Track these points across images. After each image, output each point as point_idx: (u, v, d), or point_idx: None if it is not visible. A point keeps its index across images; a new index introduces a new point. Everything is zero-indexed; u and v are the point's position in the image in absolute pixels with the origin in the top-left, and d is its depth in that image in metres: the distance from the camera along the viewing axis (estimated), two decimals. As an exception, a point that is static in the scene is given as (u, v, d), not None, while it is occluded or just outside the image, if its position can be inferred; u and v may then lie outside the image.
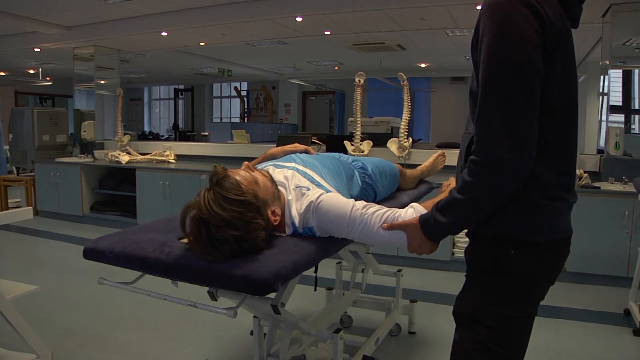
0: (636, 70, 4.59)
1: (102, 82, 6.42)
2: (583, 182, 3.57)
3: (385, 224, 1.27)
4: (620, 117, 4.27)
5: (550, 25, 1.00)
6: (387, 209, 1.32)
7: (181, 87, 13.25)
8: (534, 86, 0.99)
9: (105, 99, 6.55)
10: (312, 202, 1.38)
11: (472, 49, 1.09)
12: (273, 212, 1.39)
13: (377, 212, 1.30)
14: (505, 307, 1.10)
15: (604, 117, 4.06)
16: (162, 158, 5.49)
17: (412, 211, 1.28)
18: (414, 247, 1.22)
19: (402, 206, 1.37)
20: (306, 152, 1.87)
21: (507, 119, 0.98)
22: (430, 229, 1.16)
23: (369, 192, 1.83)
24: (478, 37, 1.04)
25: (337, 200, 1.37)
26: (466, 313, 1.15)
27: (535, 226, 1.07)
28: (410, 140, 4.32)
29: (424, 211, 1.26)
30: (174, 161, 5.50)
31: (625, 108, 4.53)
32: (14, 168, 7.10)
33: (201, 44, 6.30)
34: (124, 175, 5.43)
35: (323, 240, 1.40)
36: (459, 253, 3.71)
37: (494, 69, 0.99)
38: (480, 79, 1.02)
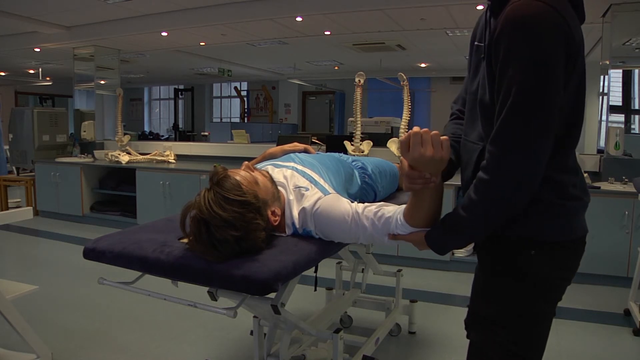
0: (636, 70, 4.59)
1: (102, 82, 6.42)
2: (583, 182, 3.57)
3: (391, 236, 1.25)
4: (620, 117, 4.27)
5: (574, 42, 0.98)
6: (384, 210, 1.28)
7: (181, 87, 13.26)
8: (556, 109, 0.97)
9: (105, 99, 6.55)
10: (310, 207, 1.37)
11: (487, 61, 1.05)
12: (273, 213, 1.39)
13: (375, 220, 1.27)
14: (525, 308, 1.10)
15: (604, 117, 4.07)
16: (162, 158, 5.49)
17: (397, 220, 1.24)
18: (422, 249, 1.23)
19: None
20: (305, 151, 1.87)
21: (527, 143, 0.97)
22: (438, 247, 1.15)
23: (368, 192, 1.83)
24: (498, 50, 0.99)
25: (335, 208, 1.35)
26: (484, 315, 1.14)
27: (553, 227, 1.08)
28: (410, 140, 4.31)
29: (407, 227, 1.21)
30: (174, 161, 5.50)
31: (625, 108, 4.52)
32: (14, 168, 7.09)
33: (201, 44, 6.30)
34: (124, 175, 5.43)
35: (323, 240, 1.39)
36: (459, 253, 3.71)
37: (520, 95, 0.95)
38: (502, 98, 0.99)
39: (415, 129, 1.01)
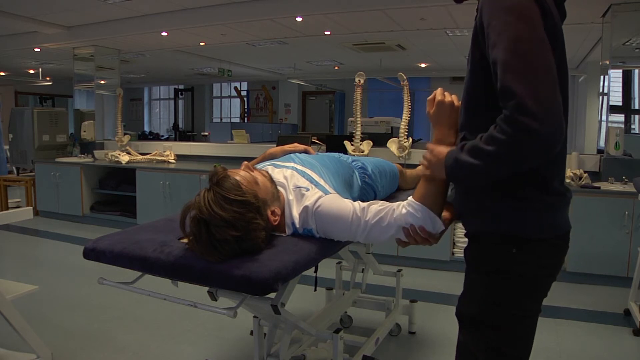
0: (636, 70, 4.59)
1: (102, 82, 6.42)
2: (583, 182, 3.57)
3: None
4: (620, 117, 4.27)
5: (550, 16, 1.00)
6: (385, 206, 1.30)
7: (181, 87, 13.26)
8: (551, 59, 0.95)
9: (105, 99, 6.55)
10: (311, 205, 1.37)
11: (473, 43, 1.08)
12: (273, 212, 1.39)
13: (377, 216, 1.28)
14: (509, 306, 1.10)
15: (604, 117, 4.07)
16: (162, 158, 5.49)
17: (406, 205, 1.25)
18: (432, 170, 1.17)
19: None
20: (305, 152, 1.87)
21: (533, 88, 0.92)
22: (451, 165, 1.07)
23: (368, 192, 1.83)
24: (482, 22, 1.02)
25: (336, 206, 1.35)
26: (470, 314, 1.14)
27: (535, 223, 1.07)
28: (410, 140, 4.32)
29: (418, 205, 1.22)
30: (174, 161, 5.50)
31: (625, 108, 4.53)
32: (14, 168, 7.10)
33: (201, 44, 6.30)
34: (124, 175, 5.43)
35: (323, 240, 1.40)
36: (459, 253, 3.71)
37: (509, 46, 0.95)
38: (492, 56, 0.98)
39: (440, 88, 1.26)
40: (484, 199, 1.11)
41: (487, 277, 1.12)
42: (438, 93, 1.23)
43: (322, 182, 1.50)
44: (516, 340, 1.12)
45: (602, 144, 4.14)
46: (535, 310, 1.13)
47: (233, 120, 13.39)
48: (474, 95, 1.12)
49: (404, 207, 1.25)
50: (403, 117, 4.25)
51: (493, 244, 1.10)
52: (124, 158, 5.31)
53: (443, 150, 1.12)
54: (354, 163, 1.86)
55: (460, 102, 1.21)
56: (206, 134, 10.43)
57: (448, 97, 1.22)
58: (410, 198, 1.25)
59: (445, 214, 1.26)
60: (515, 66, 0.94)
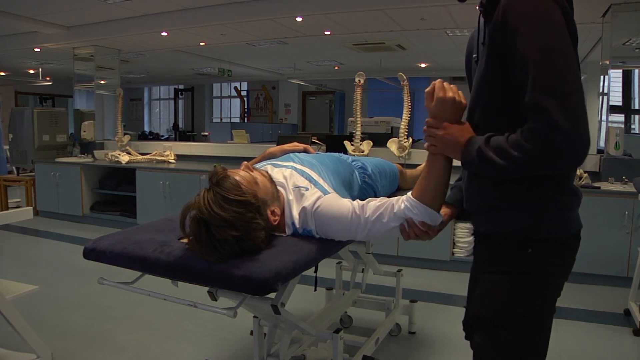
0: (636, 70, 4.59)
1: (102, 82, 6.42)
2: (583, 182, 3.57)
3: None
4: (620, 117, 4.28)
5: (569, 15, 1.00)
6: (383, 202, 1.29)
7: (181, 87, 13.27)
8: (578, 68, 0.97)
9: (105, 99, 6.55)
10: (310, 206, 1.37)
11: (490, 44, 1.06)
12: (272, 212, 1.39)
13: (376, 213, 1.28)
14: (526, 307, 1.09)
15: (604, 117, 4.07)
16: (162, 158, 5.49)
17: (405, 200, 1.25)
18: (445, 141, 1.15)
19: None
20: (305, 151, 1.86)
21: (564, 104, 0.92)
22: (470, 152, 1.07)
23: (368, 192, 1.82)
24: (504, 27, 1.00)
25: (334, 206, 1.35)
26: (486, 316, 1.13)
27: (551, 223, 1.07)
28: (410, 140, 4.32)
29: (415, 202, 1.22)
30: (174, 161, 5.50)
31: (625, 108, 4.53)
32: (14, 168, 7.10)
33: (201, 44, 6.30)
34: (124, 175, 5.43)
35: (323, 240, 1.39)
36: (459, 253, 3.71)
37: (540, 58, 0.94)
38: (520, 63, 0.98)
39: (439, 80, 1.19)
40: (497, 198, 1.10)
41: (501, 277, 1.11)
42: (438, 87, 1.17)
43: (321, 182, 1.50)
44: (533, 341, 1.11)
45: (602, 144, 4.15)
46: (550, 310, 1.13)
47: (233, 120, 13.40)
48: (489, 96, 1.10)
49: (403, 202, 1.25)
50: (403, 117, 4.25)
51: (507, 244, 1.09)
52: (124, 158, 5.31)
53: (460, 132, 1.11)
54: (354, 163, 1.86)
55: (461, 96, 1.17)
56: (206, 134, 10.43)
57: (449, 93, 1.15)
58: (409, 194, 1.25)
59: (445, 210, 1.26)
60: (546, 81, 0.94)
